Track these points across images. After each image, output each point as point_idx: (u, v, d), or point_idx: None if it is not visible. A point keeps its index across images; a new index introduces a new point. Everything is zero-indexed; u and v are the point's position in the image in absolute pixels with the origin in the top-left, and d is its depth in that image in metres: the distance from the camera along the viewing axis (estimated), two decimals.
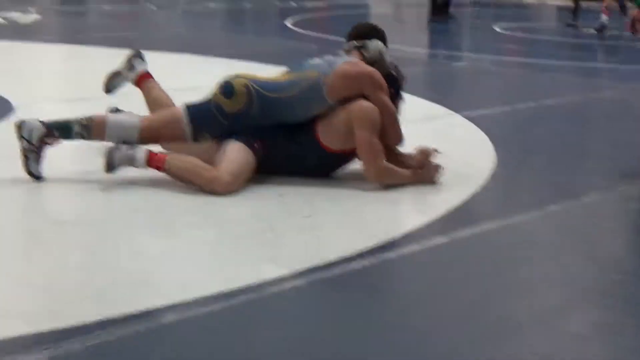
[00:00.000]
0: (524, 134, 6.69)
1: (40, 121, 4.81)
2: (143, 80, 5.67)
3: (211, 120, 4.93)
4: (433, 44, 13.42)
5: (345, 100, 4.99)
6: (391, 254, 3.93)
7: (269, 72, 5.40)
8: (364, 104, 4.95)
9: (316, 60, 5.18)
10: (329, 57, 5.22)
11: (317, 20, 14.93)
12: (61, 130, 4.82)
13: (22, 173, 4.72)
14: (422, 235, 4.20)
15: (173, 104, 5.39)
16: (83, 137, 4.86)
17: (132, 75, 5.69)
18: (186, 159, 4.82)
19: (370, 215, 4.51)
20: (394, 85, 5.14)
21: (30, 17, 13.28)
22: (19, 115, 6.43)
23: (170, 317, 3.13)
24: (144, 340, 2.98)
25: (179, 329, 3.07)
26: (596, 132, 6.56)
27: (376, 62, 5.23)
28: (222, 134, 4.95)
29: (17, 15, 13.28)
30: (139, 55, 5.78)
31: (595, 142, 6.51)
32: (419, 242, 4.10)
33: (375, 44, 5.30)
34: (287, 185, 4.90)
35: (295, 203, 4.63)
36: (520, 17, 17.44)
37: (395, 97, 5.13)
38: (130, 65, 5.73)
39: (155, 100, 5.54)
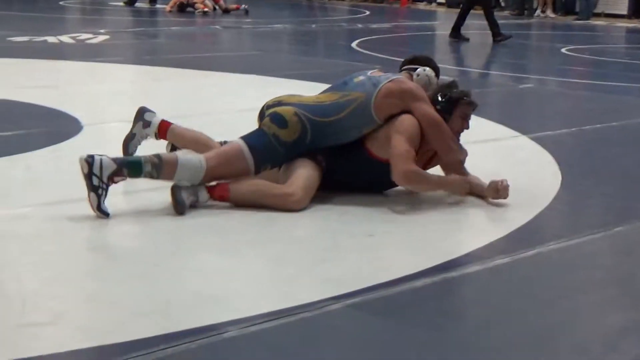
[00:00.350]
0: (590, 155, 6.63)
1: (112, 158, 4.63)
2: (166, 129, 5.43)
3: (272, 151, 4.90)
4: (500, 65, 13.37)
5: (393, 117, 5.03)
6: (453, 274, 3.93)
7: (310, 91, 5.45)
8: (405, 115, 4.99)
9: (360, 78, 5.22)
10: (374, 75, 5.25)
11: (382, 42, 14.95)
12: (131, 168, 4.65)
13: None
14: (485, 256, 4.19)
15: (210, 139, 5.38)
16: (152, 177, 4.69)
17: (151, 130, 5.47)
18: (250, 182, 4.83)
19: (433, 234, 4.52)
20: (449, 108, 5.09)
21: (99, 38, 13.50)
22: (87, 134, 6.56)
23: (232, 333, 3.16)
24: (206, 355, 3.02)
25: (241, 344, 3.10)
26: None
27: (424, 85, 5.27)
28: (282, 163, 4.98)
29: (87, 36, 13.52)
30: (146, 110, 5.58)
31: None
32: (481, 262, 4.09)
33: (427, 72, 5.34)
34: (348, 204, 4.91)
35: (357, 222, 4.65)
36: (588, 38, 17.29)
37: (447, 117, 5.08)
38: (144, 122, 5.51)
39: (194, 141, 5.36)
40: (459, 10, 15.34)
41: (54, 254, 4.03)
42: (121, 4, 20.51)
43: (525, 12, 21.99)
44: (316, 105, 5.08)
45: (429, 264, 3.99)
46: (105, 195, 4.56)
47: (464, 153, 5.14)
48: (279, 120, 4.95)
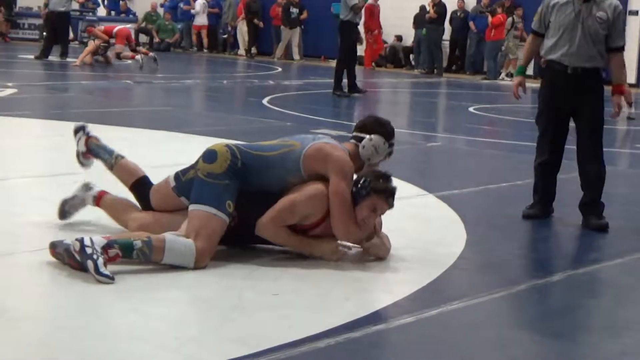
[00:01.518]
0: (494, 214, 6.74)
1: (102, 237, 4.62)
2: (102, 198, 5.55)
3: (220, 190, 4.90)
4: (409, 123, 13.55)
5: (317, 178, 5.05)
6: (357, 334, 3.94)
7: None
8: (320, 183, 5.02)
9: (306, 135, 5.34)
10: (320, 136, 5.31)
11: (293, 99, 15.06)
12: (122, 245, 4.60)
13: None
14: (390, 315, 4.22)
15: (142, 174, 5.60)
16: (142, 257, 4.63)
17: (90, 195, 5.57)
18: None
19: (338, 293, 4.53)
20: (363, 195, 5.03)
21: (7, 91, 13.32)
22: None
23: None
24: None
25: None
26: (567, 208, 6.62)
27: (369, 159, 5.29)
28: (237, 191, 4.97)
29: None
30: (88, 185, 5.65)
31: (567, 218, 6.56)
32: (385, 321, 4.12)
33: (373, 141, 5.28)
34: (257, 262, 4.91)
35: (264, 280, 4.64)
36: (495, 97, 17.66)
37: (357, 201, 5.04)
38: (85, 187, 5.63)
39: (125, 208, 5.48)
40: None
41: None
42: (31, 57, 20.28)
43: (435, 70, 22.37)
44: (251, 143, 5.26)
45: (333, 324, 4.00)
46: (102, 262, 4.47)
47: (362, 234, 5.10)
48: (209, 156, 5.03)
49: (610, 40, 6.29)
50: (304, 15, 24.98)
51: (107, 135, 9.48)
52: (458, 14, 22.94)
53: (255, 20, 25.22)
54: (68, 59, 20.03)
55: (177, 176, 5.25)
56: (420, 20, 22.89)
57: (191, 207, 4.92)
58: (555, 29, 6.35)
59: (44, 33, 21.67)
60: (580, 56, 6.29)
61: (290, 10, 24.13)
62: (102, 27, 20.57)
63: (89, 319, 3.97)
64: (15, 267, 4.81)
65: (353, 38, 15.47)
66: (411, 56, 24.09)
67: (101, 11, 29.18)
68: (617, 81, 6.42)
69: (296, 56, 24.84)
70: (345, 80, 15.31)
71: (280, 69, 21.60)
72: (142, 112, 12.18)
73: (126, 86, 16.17)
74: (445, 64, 22.99)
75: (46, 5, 21.24)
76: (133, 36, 21.43)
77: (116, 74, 18.26)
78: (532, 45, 6.65)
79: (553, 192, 6.63)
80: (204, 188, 4.93)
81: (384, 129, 5.36)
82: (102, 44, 19.60)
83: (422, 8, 22.92)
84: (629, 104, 7.75)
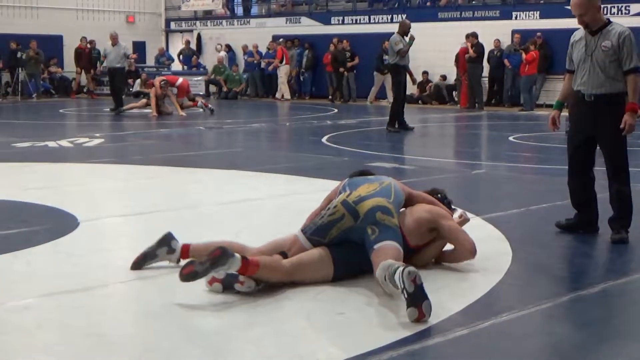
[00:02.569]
0: (537, 232, 6.67)
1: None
2: (187, 250, 5.40)
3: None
4: (454, 154, 13.50)
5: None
6: (416, 346, 3.92)
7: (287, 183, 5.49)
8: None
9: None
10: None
11: (349, 136, 15.08)
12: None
13: None
14: (445, 328, 4.19)
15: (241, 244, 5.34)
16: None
17: (174, 257, 5.39)
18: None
19: (397, 310, 4.50)
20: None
21: (95, 141, 13.54)
22: (84, 229, 6.53)
23: None
24: None
25: None
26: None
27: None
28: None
29: (83, 140, 13.55)
30: (172, 238, 5.48)
31: (608, 234, 6.47)
32: (442, 334, 4.09)
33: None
34: (323, 284, 4.92)
35: (330, 301, 4.64)
36: (532, 127, 17.51)
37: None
38: (169, 248, 5.41)
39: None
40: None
41: (57, 344, 3.98)
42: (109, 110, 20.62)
43: (476, 105, 22.27)
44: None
45: (394, 338, 3.98)
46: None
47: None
48: (387, 211, 5.04)
49: (622, 64, 6.29)
50: (356, 61, 25.10)
51: (186, 177, 9.67)
52: (495, 52, 22.85)
53: (341, 69, 25.10)
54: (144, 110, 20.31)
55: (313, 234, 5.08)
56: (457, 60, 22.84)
57: (378, 244, 4.84)
58: (575, 62, 6.48)
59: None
60: (592, 84, 6.36)
61: (384, 57, 23.59)
62: (161, 77, 20.85)
63: (177, 342, 4.01)
64: (110, 297, 4.87)
65: (401, 79, 15.44)
66: (454, 93, 24.02)
67: (175, 66, 29.55)
68: (630, 100, 6.31)
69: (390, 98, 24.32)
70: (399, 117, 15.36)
71: (336, 110, 21.66)
72: (215, 154, 12.29)
73: (199, 132, 16.33)
74: (485, 98, 22.88)
75: (100, 62, 21.66)
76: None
77: (190, 121, 18.45)
78: (567, 82, 6.68)
79: (590, 210, 6.56)
80: (390, 230, 4.93)
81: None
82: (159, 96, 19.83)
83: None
84: None
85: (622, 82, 6.32)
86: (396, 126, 15.39)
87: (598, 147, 6.55)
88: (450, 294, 4.85)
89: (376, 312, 4.50)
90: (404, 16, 24.08)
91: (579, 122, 6.58)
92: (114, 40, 20.50)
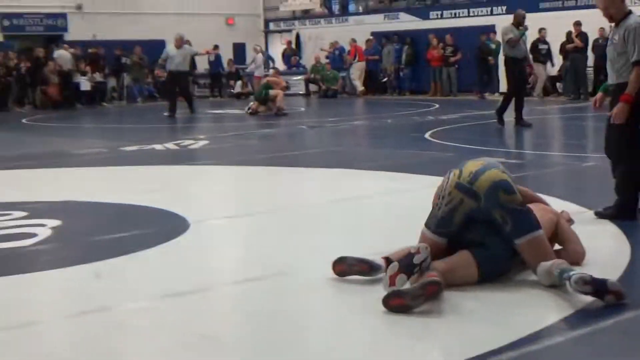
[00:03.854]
0: None
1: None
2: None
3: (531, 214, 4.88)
4: (563, 147, 13.21)
5: None
6: (537, 346, 3.82)
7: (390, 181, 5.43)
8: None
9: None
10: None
11: (452, 131, 14.92)
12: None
13: None
14: (566, 327, 4.08)
15: None
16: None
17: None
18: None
19: (514, 309, 4.40)
20: None
21: (200, 143, 13.72)
22: (195, 231, 6.60)
23: None
24: None
25: None
26: None
27: None
28: None
29: (189, 142, 13.75)
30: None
31: None
32: (563, 333, 3.99)
33: None
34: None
35: (445, 302, 4.56)
36: None
37: None
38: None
39: None
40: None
41: (173, 346, 4.02)
42: (214, 112, 20.83)
43: (581, 96, 21.78)
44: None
45: (513, 338, 3.89)
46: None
47: None
48: (508, 188, 4.77)
49: (630, 56, 6.37)
50: (458, 55, 24.80)
51: (292, 177, 9.71)
52: (599, 41, 22.27)
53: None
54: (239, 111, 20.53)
55: (438, 227, 4.87)
56: (565, 49, 22.34)
57: (521, 239, 4.69)
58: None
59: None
60: (610, 75, 6.64)
61: (539, 47, 23.08)
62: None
63: (284, 341, 4.00)
64: (223, 298, 4.91)
65: (516, 72, 14.82)
66: (557, 84, 23.52)
67: (278, 65, 29.78)
68: (627, 90, 6.37)
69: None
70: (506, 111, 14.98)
71: (437, 105, 21.47)
72: (319, 153, 12.31)
73: (301, 131, 16.40)
74: (590, 88, 22.34)
75: (162, 66, 19.98)
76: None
77: (291, 120, 18.54)
78: None
79: None
80: (522, 216, 4.72)
81: None
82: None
83: (568, 36, 22.33)
84: None
85: (628, 74, 6.40)
86: (502, 119, 14.94)
87: None
88: (566, 293, 4.70)
89: (491, 312, 4.41)
90: (504, 8, 23.79)
91: (610, 109, 6.63)
92: (179, 42, 19.59)
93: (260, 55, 27.80)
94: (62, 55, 25.06)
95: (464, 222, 4.81)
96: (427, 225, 4.92)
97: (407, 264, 4.47)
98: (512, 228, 4.68)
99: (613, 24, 6.62)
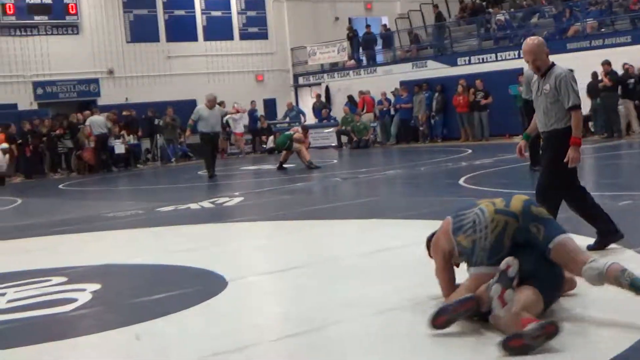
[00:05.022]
0: None
1: None
2: None
3: None
4: (596, 185, 13.12)
5: None
6: None
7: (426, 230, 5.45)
8: None
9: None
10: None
11: (486, 176, 14.88)
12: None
13: None
14: None
15: None
16: None
17: None
18: None
19: (628, 314, 4.40)
20: None
21: (235, 200, 13.80)
22: (232, 289, 6.62)
23: None
24: None
25: None
26: None
27: None
28: None
29: (224, 200, 13.84)
30: None
31: None
32: None
33: None
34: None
35: (483, 343, 4.53)
36: None
37: None
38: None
39: None
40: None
41: None
42: (245, 168, 20.92)
43: (615, 134, 21.67)
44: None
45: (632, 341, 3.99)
46: None
47: None
48: (534, 203, 5.20)
49: (563, 103, 6.82)
50: (489, 99, 24.84)
51: (327, 230, 9.72)
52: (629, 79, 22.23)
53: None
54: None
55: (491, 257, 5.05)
56: (593, 89, 22.28)
57: (554, 242, 4.96)
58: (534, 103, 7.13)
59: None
60: (542, 122, 7.00)
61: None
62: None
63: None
64: (265, 356, 4.90)
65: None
66: (589, 123, 23.43)
67: (309, 119, 30.06)
68: (573, 135, 6.81)
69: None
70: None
71: (470, 151, 21.45)
72: (353, 205, 12.32)
73: (335, 183, 16.44)
74: (623, 126, 22.22)
75: (191, 127, 19.01)
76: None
77: (325, 173, 18.60)
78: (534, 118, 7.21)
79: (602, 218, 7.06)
80: (552, 223, 5.09)
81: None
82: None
83: (594, 76, 22.31)
84: None
85: (564, 120, 6.85)
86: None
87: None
88: (609, 331, 4.65)
89: (604, 319, 4.37)
90: None
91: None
92: (213, 103, 18.98)
93: (241, 115, 27.77)
94: (96, 120, 25.39)
95: (511, 250, 4.98)
96: (475, 264, 5.06)
97: (505, 280, 4.67)
98: (545, 234, 4.98)
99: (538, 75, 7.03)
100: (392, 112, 27.84)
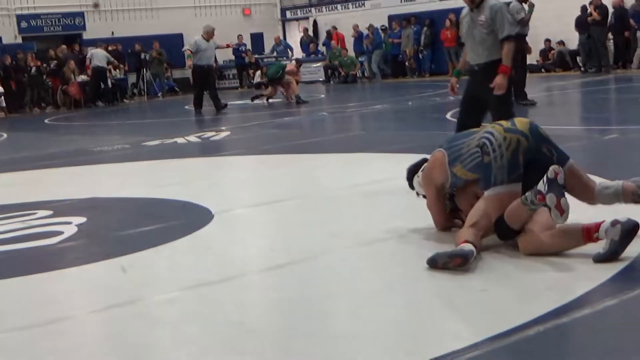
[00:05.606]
0: None
1: None
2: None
3: None
4: (583, 120, 13.13)
5: None
6: (564, 320, 3.81)
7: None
8: None
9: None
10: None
11: None
12: None
13: None
14: (592, 300, 4.06)
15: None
16: None
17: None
18: None
19: (540, 284, 4.39)
20: None
21: (221, 134, 13.76)
22: (218, 221, 6.63)
23: None
24: None
25: None
26: None
27: None
28: None
29: (210, 134, 13.80)
30: None
31: None
32: (589, 306, 3.96)
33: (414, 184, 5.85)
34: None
35: (471, 279, 4.56)
36: None
37: None
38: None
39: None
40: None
41: (202, 335, 4.05)
42: (238, 102, 20.85)
43: (603, 69, 21.61)
44: None
45: (540, 312, 3.88)
46: None
47: None
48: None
49: (497, 34, 7.09)
50: None
51: (313, 163, 9.72)
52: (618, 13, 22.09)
53: None
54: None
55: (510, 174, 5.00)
56: (581, 23, 22.16)
57: (569, 162, 5.07)
58: (463, 37, 7.50)
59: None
60: (476, 55, 7.28)
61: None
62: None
63: (316, 327, 4.02)
64: (249, 286, 4.93)
65: (521, 49, 14.86)
66: (577, 58, 23.35)
67: (297, 54, 29.82)
68: (503, 63, 7.08)
69: None
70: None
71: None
72: (339, 139, 12.31)
73: (322, 117, 16.39)
74: (611, 61, 22.16)
75: (190, 56, 18.65)
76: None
77: (312, 107, 18.54)
78: (465, 54, 7.63)
79: None
80: (558, 146, 5.14)
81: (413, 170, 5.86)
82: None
83: (583, 9, 22.18)
84: None
85: (499, 51, 7.11)
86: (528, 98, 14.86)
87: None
88: (593, 264, 4.68)
89: (518, 286, 4.40)
90: None
91: (471, 88, 7.47)
92: (210, 35, 18.69)
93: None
94: (97, 53, 25.04)
95: (525, 167, 4.96)
96: (494, 184, 4.94)
97: (557, 188, 4.59)
98: (558, 156, 5.02)
99: (468, 9, 7.32)
100: (369, 47, 27.56)
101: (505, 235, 4.95)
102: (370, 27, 27.60)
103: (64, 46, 26.16)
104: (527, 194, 4.72)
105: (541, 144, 5.02)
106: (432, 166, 5.47)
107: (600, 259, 4.53)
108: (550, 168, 4.66)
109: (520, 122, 5.09)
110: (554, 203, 4.57)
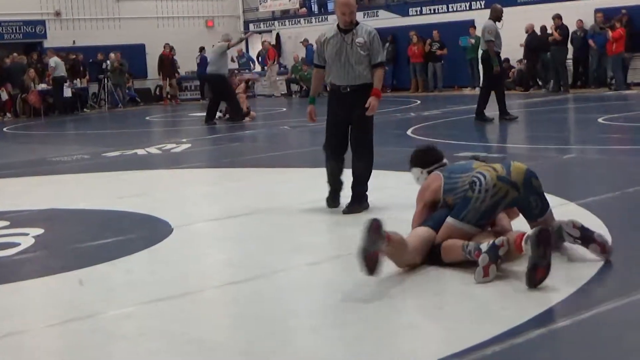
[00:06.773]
0: (636, 215, 6.50)
1: None
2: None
3: None
4: (543, 139, 13.26)
5: None
6: (519, 340, 3.85)
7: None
8: None
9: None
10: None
11: (434, 127, 14.95)
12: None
13: None
14: (546, 320, 4.11)
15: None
16: None
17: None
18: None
19: (496, 304, 4.44)
20: None
21: (182, 146, 13.71)
22: (177, 235, 6.60)
23: None
24: None
25: None
26: None
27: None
28: None
29: (171, 146, 13.73)
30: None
31: None
32: (544, 326, 4.02)
33: (412, 173, 5.98)
34: (415, 279, 4.87)
35: (426, 297, 4.59)
36: (621, 108, 17.11)
37: None
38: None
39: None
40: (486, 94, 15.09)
41: (159, 350, 4.03)
42: (199, 114, 20.75)
43: (561, 88, 21.85)
44: None
45: (496, 332, 3.92)
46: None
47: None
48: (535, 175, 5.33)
49: (372, 58, 7.07)
50: (444, 51, 24.82)
51: (274, 178, 9.71)
52: (578, 33, 22.38)
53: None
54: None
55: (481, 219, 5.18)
56: (540, 43, 22.40)
57: (545, 214, 5.23)
58: (329, 58, 7.18)
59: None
60: (348, 77, 7.11)
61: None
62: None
63: (273, 345, 4.02)
64: (207, 302, 4.92)
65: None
66: (537, 78, 23.57)
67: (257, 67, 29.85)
68: (376, 87, 7.08)
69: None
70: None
71: (419, 102, 21.50)
72: (301, 153, 12.31)
73: (284, 131, 16.39)
74: (570, 80, 22.42)
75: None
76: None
77: (273, 121, 18.54)
78: (317, 78, 7.52)
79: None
80: (545, 197, 5.30)
81: (419, 159, 5.91)
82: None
83: (543, 30, 22.45)
84: None
85: (370, 74, 7.07)
86: (486, 116, 14.93)
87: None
88: (549, 284, 4.72)
89: (473, 307, 4.44)
90: (482, 3, 23.88)
91: (337, 111, 7.28)
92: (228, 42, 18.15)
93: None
94: (58, 63, 24.77)
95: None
96: (463, 219, 5.12)
97: (494, 255, 4.77)
98: (541, 208, 5.19)
99: (336, 31, 7.17)
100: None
101: (433, 259, 5.13)
102: None
103: (15, 54, 25.87)
104: (470, 243, 4.95)
105: (530, 196, 5.17)
106: (427, 187, 5.58)
107: (527, 279, 4.61)
108: (501, 238, 4.85)
109: (516, 171, 5.19)
110: (484, 264, 4.75)
